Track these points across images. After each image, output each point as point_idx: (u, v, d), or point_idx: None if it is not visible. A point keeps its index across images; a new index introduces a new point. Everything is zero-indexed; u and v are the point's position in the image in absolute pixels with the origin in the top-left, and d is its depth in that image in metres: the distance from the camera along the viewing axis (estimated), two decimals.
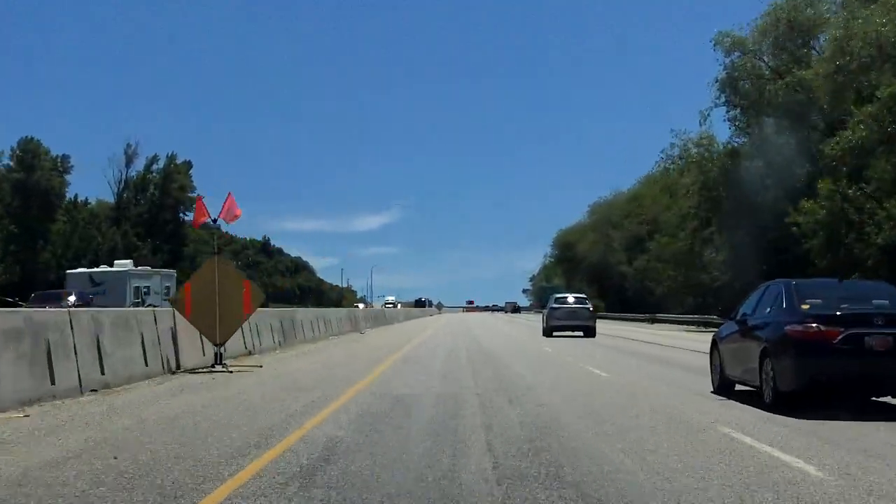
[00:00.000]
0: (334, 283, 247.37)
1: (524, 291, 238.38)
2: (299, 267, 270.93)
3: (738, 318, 14.58)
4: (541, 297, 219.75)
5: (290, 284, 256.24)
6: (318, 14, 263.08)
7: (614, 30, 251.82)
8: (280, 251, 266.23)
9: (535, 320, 77.21)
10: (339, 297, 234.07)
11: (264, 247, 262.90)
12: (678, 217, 63.83)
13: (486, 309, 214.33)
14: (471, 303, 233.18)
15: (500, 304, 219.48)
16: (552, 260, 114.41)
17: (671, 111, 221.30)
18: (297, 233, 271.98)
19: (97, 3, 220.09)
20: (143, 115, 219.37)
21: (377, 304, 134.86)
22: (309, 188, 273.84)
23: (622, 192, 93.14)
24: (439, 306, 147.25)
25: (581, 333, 38.58)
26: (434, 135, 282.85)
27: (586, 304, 40.05)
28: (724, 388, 14.82)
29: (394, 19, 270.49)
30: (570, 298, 41.05)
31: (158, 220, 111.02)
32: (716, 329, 17.64)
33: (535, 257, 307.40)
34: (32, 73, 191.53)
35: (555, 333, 38.90)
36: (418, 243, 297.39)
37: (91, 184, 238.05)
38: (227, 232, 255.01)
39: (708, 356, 15.97)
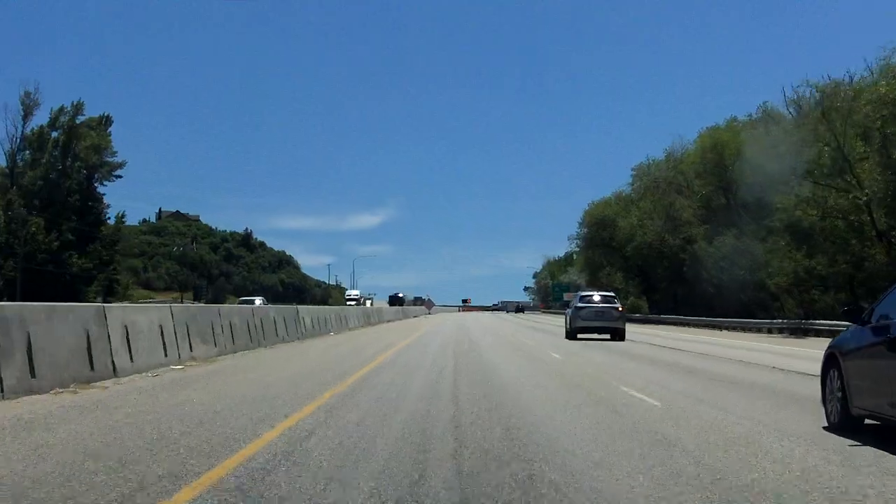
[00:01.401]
0: (320, 280, 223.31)
1: (525, 289, 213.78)
2: (283, 262, 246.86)
3: (874, 322, 9.17)
4: (545, 295, 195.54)
5: (272, 281, 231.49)
6: (315, 14, 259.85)
7: (610, 32, 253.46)
8: (263, 245, 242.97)
9: (548, 322, 61.72)
10: (324, 295, 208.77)
11: (245, 240, 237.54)
12: (835, 151, 34.04)
13: (485, 308, 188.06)
14: (467, 301, 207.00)
15: (498, 303, 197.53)
16: (579, 244, 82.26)
17: (669, 112, 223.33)
18: (291, 231, 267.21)
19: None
20: (139, 117, 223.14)
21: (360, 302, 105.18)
22: (304, 186, 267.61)
23: (689, 142, 62.95)
24: (429, 304, 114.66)
25: (608, 336, 33.50)
26: (428, 134, 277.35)
27: (615, 303, 34.72)
28: (847, 424, 9.33)
29: (390, 19, 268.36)
30: (597, 297, 35.12)
31: (60, 188, 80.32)
32: None
33: (531, 256, 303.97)
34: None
35: (579, 336, 33.99)
36: (413, 242, 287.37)
37: None
38: (206, 224, 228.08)
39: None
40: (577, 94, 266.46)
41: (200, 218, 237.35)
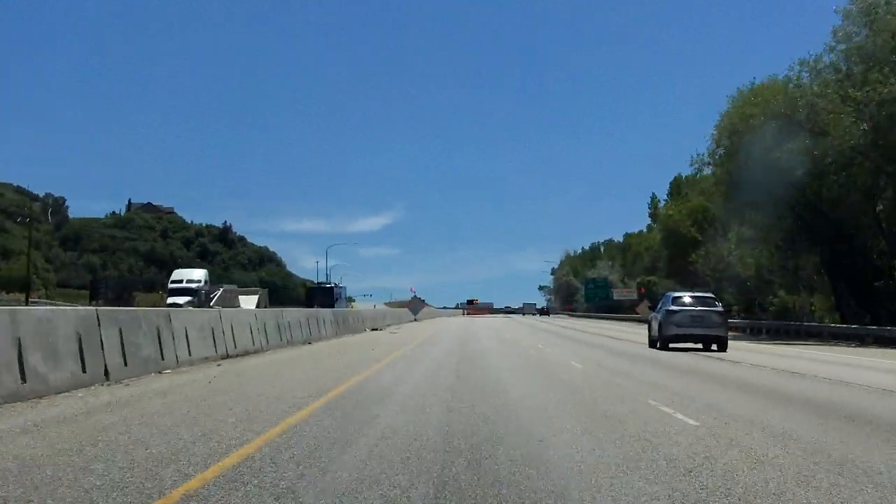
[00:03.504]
0: (306, 279, 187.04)
1: (541, 288, 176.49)
2: (265, 259, 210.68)
3: None
4: (567, 294, 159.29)
5: (249, 279, 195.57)
6: (315, 14, 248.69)
7: (610, 32, 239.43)
8: (243, 240, 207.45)
9: (609, 331, 41.15)
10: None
11: (223, 235, 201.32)
12: None
13: (499, 311, 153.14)
14: (473, 302, 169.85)
15: (512, 305, 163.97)
16: (713, 178, 42.34)
17: (669, 112, 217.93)
18: (295, 233, 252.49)
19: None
20: (139, 117, 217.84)
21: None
22: (307, 189, 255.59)
23: None
24: (414, 305, 70.42)
25: (701, 345, 26.94)
26: (430, 135, 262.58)
27: (716, 305, 27.55)
28: None
29: (390, 19, 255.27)
30: (687, 298, 27.79)
31: None
32: None
33: (536, 257, 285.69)
34: None
35: (671, 345, 27.13)
36: (418, 244, 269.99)
37: None
38: (180, 216, 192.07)
39: None
40: (578, 94, 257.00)
41: (175, 209, 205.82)
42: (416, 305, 68.16)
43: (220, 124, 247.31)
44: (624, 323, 74.19)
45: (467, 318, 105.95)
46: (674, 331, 26.60)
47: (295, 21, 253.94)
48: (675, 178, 71.56)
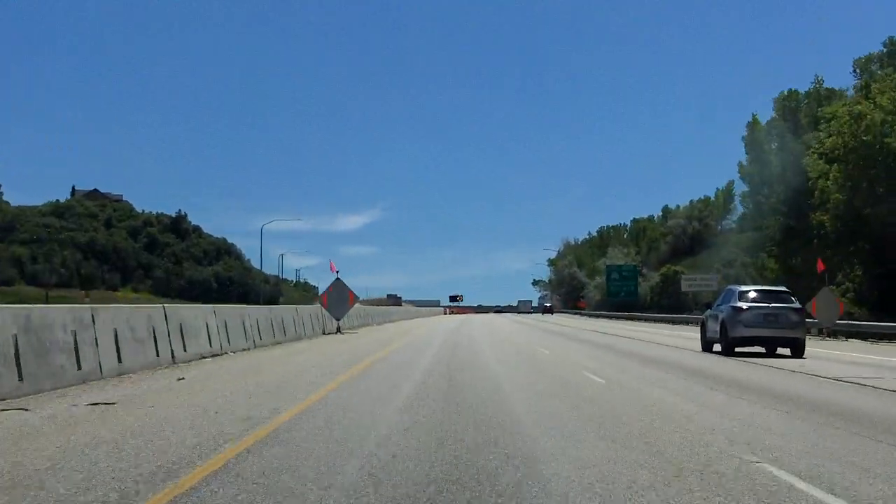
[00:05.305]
0: (270, 274, 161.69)
1: (535, 283, 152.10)
2: (222, 251, 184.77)
3: None
4: (570, 289, 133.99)
5: (204, 274, 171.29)
6: (314, 13, 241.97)
7: (610, 32, 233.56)
8: (198, 231, 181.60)
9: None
10: (275, 293, 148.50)
11: (175, 224, 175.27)
12: None
13: (487, 309, 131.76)
14: (457, 298, 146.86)
15: (501, 304, 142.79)
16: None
17: (669, 112, 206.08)
18: (282, 232, 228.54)
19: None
20: (138, 117, 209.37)
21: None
22: (308, 189, 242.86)
23: None
24: (334, 303, 34.21)
25: (763, 349, 22.72)
26: (425, 134, 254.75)
27: (792, 301, 22.95)
28: None
29: (392, 21, 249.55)
30: (755, 293, 23.38)
31: None
32: None
33: (527, 257, 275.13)
34: None
35: (737, 349, 22.48)
36: (406, 242, 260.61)
37: None
38: (129, 203, 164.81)
39: None
40: (578, 94, 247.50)
41: (124, 197, 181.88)
42: (336, 298, 34.84)
43: (219, 124, 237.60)
44: (689, 326, 49.24)
45: (458, 318, 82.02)
46: (742, 332, 22.17)
47: (293, 21, 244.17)
48: (790, 94, 46.61)
